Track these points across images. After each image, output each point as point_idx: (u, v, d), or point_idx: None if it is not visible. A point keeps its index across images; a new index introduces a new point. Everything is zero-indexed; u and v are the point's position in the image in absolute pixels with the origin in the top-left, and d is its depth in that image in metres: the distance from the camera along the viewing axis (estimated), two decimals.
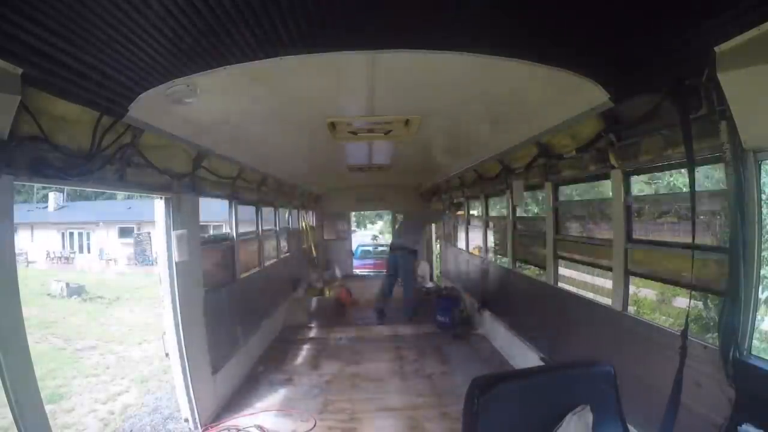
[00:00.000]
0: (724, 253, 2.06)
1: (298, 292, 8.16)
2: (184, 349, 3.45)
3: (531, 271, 5.78)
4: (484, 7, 1.72)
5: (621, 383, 1.43)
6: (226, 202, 4.92)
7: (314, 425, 3.66)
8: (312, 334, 6.44)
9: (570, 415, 1.30)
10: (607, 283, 3.64)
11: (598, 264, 3.58)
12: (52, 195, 30.79)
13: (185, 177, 3.58)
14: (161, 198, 3.40)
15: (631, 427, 1.53)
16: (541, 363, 4.03)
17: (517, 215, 5.35)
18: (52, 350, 10.37)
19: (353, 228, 12.87)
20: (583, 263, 3.99)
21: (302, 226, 9.55)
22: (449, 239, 9.20)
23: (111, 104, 2.29)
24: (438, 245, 11.00)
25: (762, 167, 1.93)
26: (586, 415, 1.32)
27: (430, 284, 9.71)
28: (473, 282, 7.05)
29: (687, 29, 1.70)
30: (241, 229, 5.21)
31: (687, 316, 2.06)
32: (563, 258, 4.12)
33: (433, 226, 11.21)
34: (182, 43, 1.86)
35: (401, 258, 7.39)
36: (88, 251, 29.66)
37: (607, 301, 3.34)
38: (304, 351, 5.67)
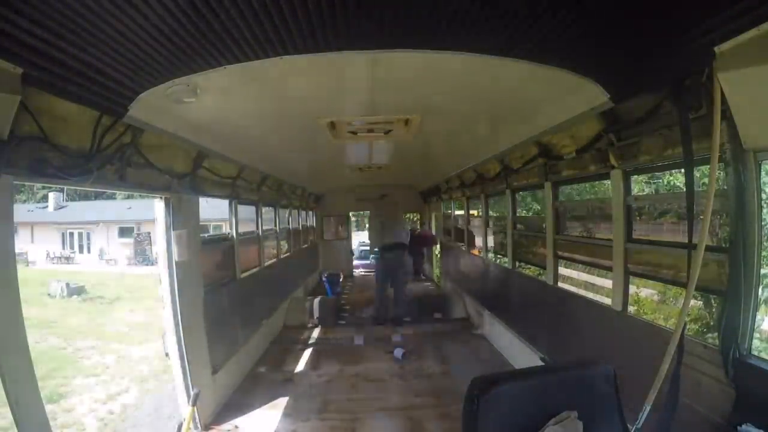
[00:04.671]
0: (724, 253, 2.06)
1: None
2: (184, 349, 3.44)
3: (531, 271, 5.79)
4: (484, 7, 1.72)
5: (621, 383, 1.43)
6: (226, 202, 4.92)
7: (314, 425, 3.66)
8: (312, 334, 6.44)
9: (551, 425, 1.28)
10: (607, 283, 3.64)
11: (598, 264, 3.58)
12: (52, 195, 30.80)
13: (185, 177, 3.58)
14: (161, 198, 3.40)
15: (630, 427, 1.53)
16: (541, 363, 4.03)
17: (518, 215, 5.34)
18: (52, 350, 10.39)
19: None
20: (583, 263, 3.99)
21: (305, 225, 9.58)
22: (449, 239, 9.20)
23: (111, 104, 2.29)
24: (438, 245, 11.00)
25: (762, 167, 1.92)
26: (572, 423, 1.29)
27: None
28: (474, 282, 7.05)
29: (687, 29, 1.70)
30: (241, 229, 5.21)
31: (684, 316, 2.06)
32: (563, 258, 4.12)
33: (433, 226, 11.22)
34: (182, 43, 1.86)
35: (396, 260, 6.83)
36: (88, 251, 29.67)
37: (607, 301, 3.34)
38: (304, 351, 5.67)
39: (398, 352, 5.36)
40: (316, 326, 6.72)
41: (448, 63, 2.29)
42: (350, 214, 12.80)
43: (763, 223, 1.94)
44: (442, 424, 3.63)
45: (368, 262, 14.87)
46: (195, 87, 2.39)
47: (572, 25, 1.83)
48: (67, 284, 17.39)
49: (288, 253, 7.74)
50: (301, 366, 5.14)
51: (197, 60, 2.06)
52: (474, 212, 7.52)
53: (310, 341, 6.09)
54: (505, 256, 5.67)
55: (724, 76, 1.73)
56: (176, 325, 3.42)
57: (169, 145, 3.25)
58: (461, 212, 8.03)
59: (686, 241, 2.00)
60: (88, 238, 30.02)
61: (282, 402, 4.13)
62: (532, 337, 4.47)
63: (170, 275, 3.42)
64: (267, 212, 6.56)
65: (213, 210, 6.63)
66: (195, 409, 3.33)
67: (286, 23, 1.76)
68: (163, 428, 6.09)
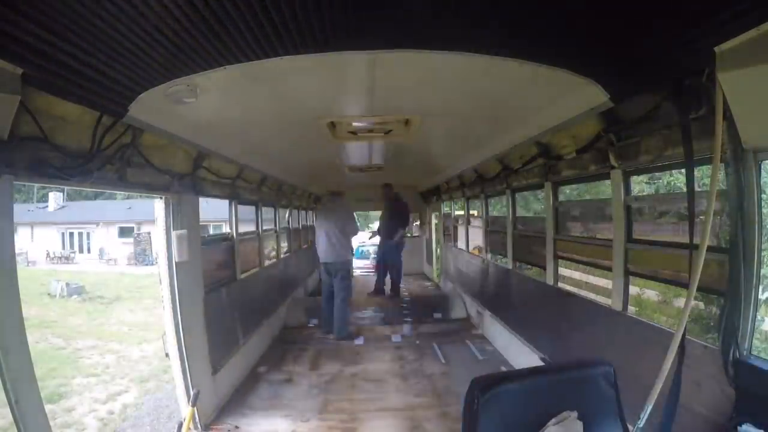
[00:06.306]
0: (724, 253, 2.06)
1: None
2: (184, 349, 3.44)
3: (531, 271, 5.78)
4: (485, 8, 1.72)
5: (621, 383, 1.43)
6: (225, 202, 4.92)
7: (314, 425, 3.66)
8: (312, 334, 6.45)
9: (552, 425, 1.28)
10: (608, 283, 3.65)
11: (598, 264, 3.58)
12: (52, 195, 30.85)
13: (185, 177, 3.58)
14: (161, 198, 3.40)
15: (630, 427, 1.53)
16: (541, 363, 4.03)
17: (518, 215, 5.35)
18: (52, 350, 10.40)
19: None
20: (583, 263, 3.99)
21: (305, 225, 9.59)
22: (449, 239, 9.20)
23: (111, 104, 2.29)
24: (438, 246, 11.00)
25: (762, 167, 1.92)
26: (571, 423, 1.29)
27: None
28: (473, 282, 7.05)
29: (687, 29, 1.70)
30: (241, 229, 5.21)
31: (686, 316, 2.06)
32: (563, 258, 4.12)
33: (434, 227, 11.24)
34: (182, 43, 1.86)
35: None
36: (88, 251, 29.72)
37: (607, 301, 3.34)
38: (304, 351, 5.67)
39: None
40: (316, 326, 6.72)
41: (448, 63, 2.29)
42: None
43: (763, 223, 1.94)
44: (442, 424, 3.63)
45: (368, 261, 14.86)
46: (195, 87, 2.39)
47: (572, 25, 1.83)
48: (67, 284, 17.41)
49: (288, 254, 7.74)
50: (301, 366, 5.14)
51: (197, 60, 2.06)
52: (474, 212, 7.52)
53: (310, 341, 6.09)
54: (505, 256, 5.67)
55: (725, 76, 1.73)
56: (176, 325, 3.42)
57: (169, 145, 3.25)
58: (461, 212, 8.04)
59: (686, 241, 2.00)
60: (88, 238, 30.06)
61: (282, 402, 4.13)
62: (532, 337, 4.47)
63: (170, 275, 3.42)
64: (267, 212, 6.56)
65: (213, 210, 6.63)
66: (195, 409, 3.34)
67: (286, 23, 1.76)
68: (163, 428, 6.09)
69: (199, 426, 3.55)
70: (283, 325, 6.67)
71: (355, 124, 3.75)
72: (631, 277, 3.02)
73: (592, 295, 5.20)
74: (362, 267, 14.13)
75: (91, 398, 7.60)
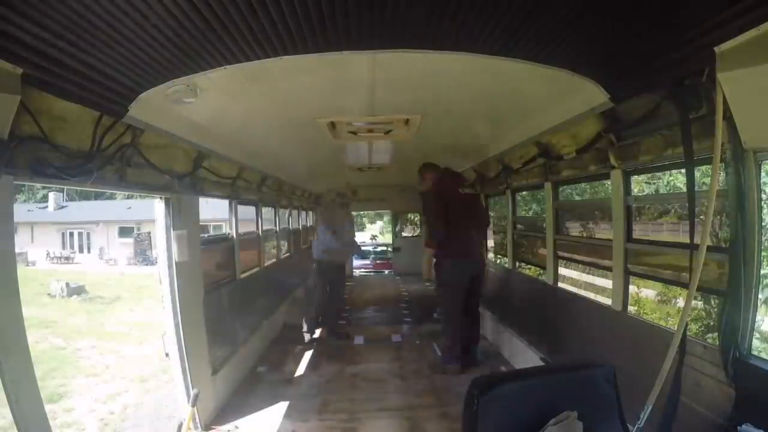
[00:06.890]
0: (724, 253, 2.06)
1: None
2: (184, 349, 3.44)
3: (531, 271, 5.78)
4: (484, 7, 1.72)
5: (621, 383, 1.43)
6: (225, 202, 4.92)
7: (314, 425, 3.66)
8: (312, 333, 6.44)
9: (550, 425, 1.28)
10: (608, 283, 3.65)
11: (598, 264, 3.58)
12: (52, 195, 30.85)
13: (185, 177, 3.58)
14: (161, 198, 3.40)
15: (630, 427, 1.53)
16: (541, 363, 4.03)
17: (517, 215, 5.35)
18: (52, 350, 10.40)
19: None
20: (583, 263, 3.99)
21: (305, 225, 9.60)
22: None
23: (111, 104, 2.29)
24: None
25: (762, 167, 1.92)
26: (571, 423, 1.29)
27: None
28: None
29: (687, 29, 1.70)
30: (241, 229, 5.21)
31: (686, 316, 2.06)
32: (563, 258, 4.11)
33: None
34: (182, 43, 1.86)
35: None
36: (88, 251, 29.72)
37: (607, 301, 3.34)
38: (304, 351, 5.67)
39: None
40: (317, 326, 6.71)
41: (448, 63, 2.29)
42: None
43: (763, 223, 1.94)
44: (442, 424, 3.63)
45: (368, 262, 14.90)
46: (195, 87, 2.39)
47: (572, 25, 1.83)
48: (67, 284, 17.41)
49: (288, 253, 7.74)
50: (301, 366, 5.14)
51: (197, 60, 2.06)
52: None
53: (310, 341, 6.09)
54: (505, 256, 5.67)
55: (725, 76, 1.72)
56: (176, 325, 3.42)
57: (170, 145, 3.25)
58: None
59: (686, 241, 2.00)
60: (88, 238, 30.06)
61: (282, 402, 4.13)
62: (532, 337, 4.47)
63: (170, 275, 3.41)
64: (267, 212, 6.56)
65: (213, 210, 6.64)
66: (195, 409, 3.33)
67: (286, 23, 1.76)
68: (163, 428, 6.08)
69: (199, 426, 3.54)
70: (283, 325, 6.67)
71: (355, 124, 3.76)
72: (630, 277, 3.03)
73: (591, 295, 5.19)
74: (362, 267, 14.16)
75: (91, 398, 7.60)
